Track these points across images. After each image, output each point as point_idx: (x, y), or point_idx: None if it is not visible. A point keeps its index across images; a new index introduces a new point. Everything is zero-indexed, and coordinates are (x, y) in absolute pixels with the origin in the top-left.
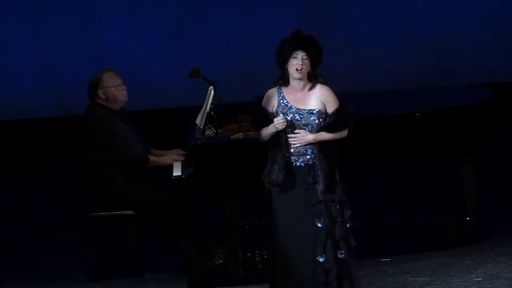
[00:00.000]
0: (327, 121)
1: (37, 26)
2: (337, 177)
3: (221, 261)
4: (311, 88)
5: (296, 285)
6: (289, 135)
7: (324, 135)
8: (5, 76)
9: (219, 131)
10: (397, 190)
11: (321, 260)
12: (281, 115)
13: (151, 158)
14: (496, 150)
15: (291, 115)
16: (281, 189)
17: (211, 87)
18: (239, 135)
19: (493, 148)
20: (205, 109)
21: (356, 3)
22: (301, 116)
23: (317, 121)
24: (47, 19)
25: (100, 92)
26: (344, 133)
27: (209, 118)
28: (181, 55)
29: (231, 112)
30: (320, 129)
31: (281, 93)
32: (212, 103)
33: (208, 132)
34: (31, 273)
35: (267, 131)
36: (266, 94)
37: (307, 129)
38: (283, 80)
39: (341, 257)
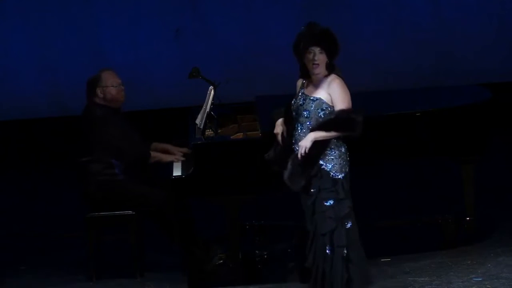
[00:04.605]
0: (325, 118)
1: (37, 26)
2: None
3: (221, 261)
4: (324, 78)
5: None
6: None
7: (318, 134)
8: (5, 76)
9: (219, 131)
10: (397, 190)
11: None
12: (294, 101)
13: (153, 154)
14: (496, 150)
15: (296, 100)
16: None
17: (211, 87)
18: (239, 135)
19: (493, 148)
20: (205, 109)
21: (356, 3)
22: (304, 102)
23: (313, 108)
24: (47, 19)
25: (98, 91)
26: (339, 135)
27: (209, 118)
28: (181, 55)
29: (231, 112)
30: (318, 123)
31: (303, 83)
32: (212, 103)
33: (208, 132)
34: (31, 273)
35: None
36: (296, 84)
37: (305, 114)
38: (303, 73)
39: (328, 252)
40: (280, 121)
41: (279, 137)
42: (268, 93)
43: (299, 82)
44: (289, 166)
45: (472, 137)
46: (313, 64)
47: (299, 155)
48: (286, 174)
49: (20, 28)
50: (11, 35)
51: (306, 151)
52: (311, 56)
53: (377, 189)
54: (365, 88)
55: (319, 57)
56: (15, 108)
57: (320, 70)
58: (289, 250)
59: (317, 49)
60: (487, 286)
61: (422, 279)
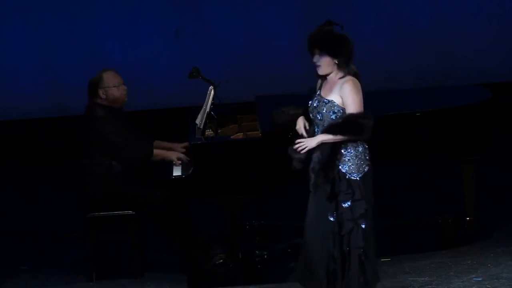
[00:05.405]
0: (333, 122)
1: (37, 26)
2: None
3: (221, 261)
4: (339, 79)
5: (311, 275)
6: (298, 140)
7: (326, 137)
8: (5, 76)
9: (219, 131)
10: (397, 190)
11: (334, 254)
12: (310, 102)
13: (155, 151)
14: (496, 150)
15: (312, 102)
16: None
17: (211, 87)
18: (239, 135)
19: (493, 148)
20: (205, 109)
21: (356, 3)
22: (318, 104)
23: (324, 110)
24: (47, 19)
25: (100, 92)
26: (346, 138)
27: (209, 118)
28: (181, 55)
29: (231, 112)
30: (326, 126)
31: (321, 84)
32: (212, 103)
33: (208, 132)
34: (31, 273)
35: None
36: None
37: (318, 117)
38: (317, 73)
39: (346, 253)
40: (301, 117)
41: (302, 130)
42: (268, 93)
43: (318, 83)
44: (310, 174)
45: (472, 137)
46: (315, 66)
47: (296, 146)
48: (311, 185)
49: (20, 28)
50: (11, 35)
51: (307, 149)
52: (313, 59)
53: (377, 189)
54: (365, 88)
55: (319, 59)
56: (15, 108)
57: (323, 71)
58: (289, 250)
59: (317, 52)
60: (487, 286)
61: (422, 279)
